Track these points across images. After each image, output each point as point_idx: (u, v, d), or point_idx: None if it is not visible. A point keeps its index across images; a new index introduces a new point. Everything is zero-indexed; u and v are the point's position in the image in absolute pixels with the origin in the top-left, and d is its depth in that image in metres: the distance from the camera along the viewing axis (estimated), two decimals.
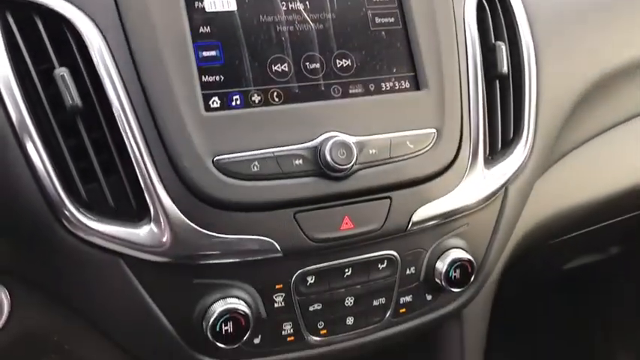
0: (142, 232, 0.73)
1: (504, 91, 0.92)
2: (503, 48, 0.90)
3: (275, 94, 0.78)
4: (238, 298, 0.76)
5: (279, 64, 0.79)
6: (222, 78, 0.76)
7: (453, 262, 0.85)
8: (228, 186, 0.73)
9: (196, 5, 0.76)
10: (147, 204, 0.73)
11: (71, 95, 0.71)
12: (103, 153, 0.74)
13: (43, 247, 0.75)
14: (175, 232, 0.72)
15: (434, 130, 0.83)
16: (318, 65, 0.80)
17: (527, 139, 0.92)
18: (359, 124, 0.79)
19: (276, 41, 0.79)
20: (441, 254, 0.86)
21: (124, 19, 0.74)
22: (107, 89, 0.72)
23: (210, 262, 0.75)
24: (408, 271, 0.85)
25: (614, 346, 1.67)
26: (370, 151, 0.79)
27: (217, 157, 0.73)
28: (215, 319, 0.74)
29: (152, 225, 0.73)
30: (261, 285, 0.78)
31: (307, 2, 0.81)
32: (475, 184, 0.86)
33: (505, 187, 0.91)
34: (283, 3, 0.80)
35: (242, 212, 0.74)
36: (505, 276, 1.04)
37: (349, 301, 0.83)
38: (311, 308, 0.81)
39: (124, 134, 0.72)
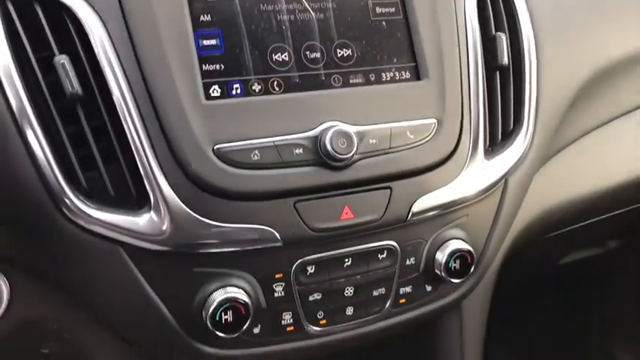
0: (142, 221, 0.73)
1: (504, 82, 0.92)
2: (503, 39, 0.90)
3: (275, 83, 0.78)
4: (238, 287, 0.76)
5: (279, 53, 0.79)
6: (223, 67, 0.76)
7: (453, 252, 0.85)
8: (229, 175, 0.73)
9: None
10: (147, 192, 0.72)
11: (71, 82, 0.71)
12: (103, 141, 0.73)
13: (42, 235, 0.75)
14: (175, 221, 0.72)
15: (434, 121, 0.83)
16: (318, 55, 0.80)
17: (527, 131, 0.92)
18: (359, 114, 0.79)
19: (277, 30, 0.79)
20: (441, 245, 0.86)
21: (125, 6, 0.73)
22: (107, 77, 0.72)
23: (210, 250, 0.75)
24: (407, 262, 0.85)
25: (611, 339, 1.67)
26: (370, 141, 0.79)
27: (217, 146, 0.73)
28: (215, 308, 0.74)
29: (152, 213, 0.73)
30: (261, 274, 0.78)
31: None
32: (475, 175, 0.86)
33: (505, 178, 0.91)
34: None
35: (242, 201, 0.74)
36: (504, 268, 1.04)
37: (349, 291, 0.83)
38: (311, 298, 0.81)
39: (124, 122, 0.72)
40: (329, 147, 0.75)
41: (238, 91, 0.76)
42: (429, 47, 0.84)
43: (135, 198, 0.74)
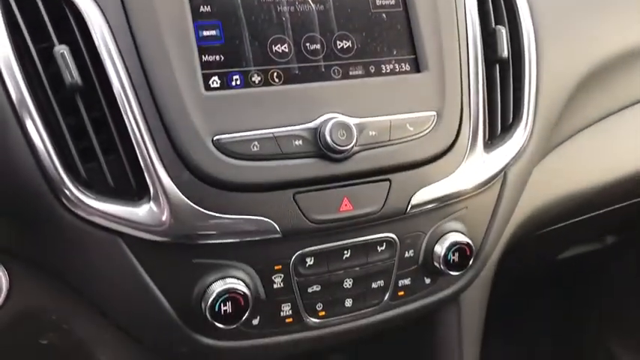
0: (142, 211, 0.73)
1: (504, 76, 0.92)
2: (503, 32, 0.90)
3: (275, 74, 0.78)
4: (237, 278, 0.76)
5: (279, 45, 0.79)
6: (222, 58, 0.76)
7: (452, 245, 0.85)
8: (228, 166, 0.73)
9: None
10: (146, 183, 0.72)
11: (71, 73, 0.71)
12: (103, 132, 0.73)
13: (42, 225, 0.75)
14: (175, 212, 0.72)
15: (434, 113, 0.83)
16: (318, 46, 0.80)
17: (526, 124, 0.92)
18: (359, 106, 0.79)
19: (277, 21, 0.79)
20: (440, 237, 0.86)
21: None
22: (107, 67, 0.72)
23: (209, 241, 0.75)
24: (406, 254, 0.85)
25: (609, 335, 1.67)
26: (370, 133, 0.79)
27: (217, 137, 0.73)
28: (214, 299, 0.74)
29: (151, 204, 0.73)
30: (260, 266, 0.78)
31: None
32: (474, 167, 0.86)
33: (504, 171, 0.91)
34: None
35: (241, 192, 0.74)
36: (503, 261, 1.04)
37: (348, 283, 0.83)
38: (310, 290, 0.81)
39: (123, 113, 0.72)
40: (328, 139, 0.75)
41: (238, 82, 0.76)
42: (429, 40, 0.84)
43: (134, 189, 0.74)
